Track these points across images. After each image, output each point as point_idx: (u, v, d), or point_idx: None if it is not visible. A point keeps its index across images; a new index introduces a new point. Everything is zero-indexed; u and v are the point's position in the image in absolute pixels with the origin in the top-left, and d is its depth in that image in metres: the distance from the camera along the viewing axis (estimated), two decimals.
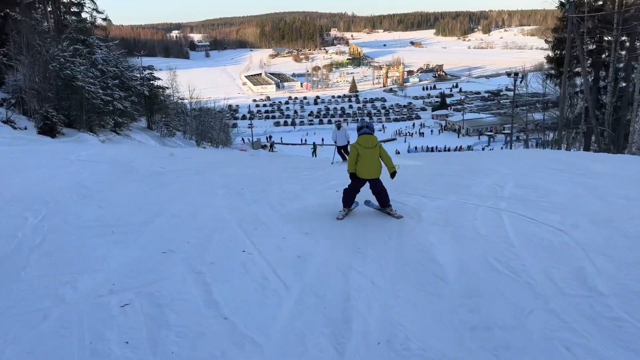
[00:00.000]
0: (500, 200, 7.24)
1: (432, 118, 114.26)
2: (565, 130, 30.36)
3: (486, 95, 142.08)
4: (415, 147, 75.20)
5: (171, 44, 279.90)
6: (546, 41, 37.79)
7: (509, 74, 51.04)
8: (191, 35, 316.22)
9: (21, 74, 27.71)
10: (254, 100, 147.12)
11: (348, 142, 15.64)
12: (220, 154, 21.51)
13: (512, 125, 45.82)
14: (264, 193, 8.13)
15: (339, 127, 17.02)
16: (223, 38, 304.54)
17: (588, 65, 27.39)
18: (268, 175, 10.49)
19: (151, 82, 42.12)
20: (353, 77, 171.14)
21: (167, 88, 45.60)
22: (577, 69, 29.76)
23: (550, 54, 33.67)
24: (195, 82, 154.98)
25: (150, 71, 43.50)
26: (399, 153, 70.87)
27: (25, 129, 25.20)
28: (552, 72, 33.77)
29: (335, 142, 16.18)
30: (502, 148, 68.24)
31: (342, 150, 15.86)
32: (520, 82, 45.98)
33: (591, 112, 26.15)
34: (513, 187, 8.15)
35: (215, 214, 6.72)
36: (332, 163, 15.06)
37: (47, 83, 28.33)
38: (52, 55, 27.35)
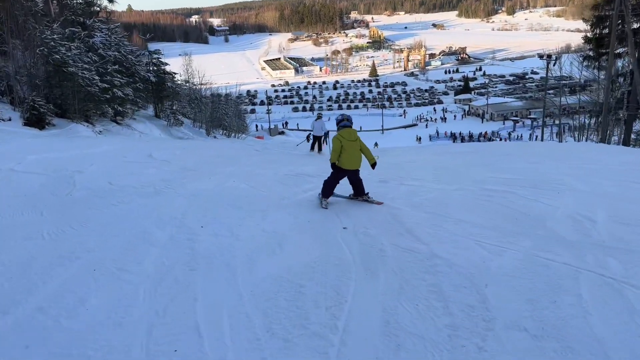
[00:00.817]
0: (605, 254, 4.51)
1: (455, 102, 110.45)
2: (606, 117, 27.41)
3: (511, 78, 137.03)
4: (437, 133, 71.80)
5: (190, 29, 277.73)
6: (584, 20, 34.25)
7: (541, 56, 47.49)
8: (210, 20, 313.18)
9: (10, 59, 25.49)
10: (273, 86, 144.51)
11: (325, 133, 16.64)
12: (223, 147, 18.95)
13: (544, 110, 42.39)
14: (230, 244, 5.41)
15: (318, 118, 17.94)
16: (242, 22, 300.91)
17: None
18: (256, 191, 7.84)
19: (158, 67, 39.53)
20: (373, 61, 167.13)
21: (176, 74, 42.95)
22: (617, 50, 26.78)
23: (589, 34, 30.31)
24: (213, 67, 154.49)
25: (157, 56, 40.93)
26: (419, 140, 68.04)
27: (10, 120, 22.94)
28: (591, 53, 30.49)
29: (312, 131, 17.27)
30: (531, 136, 64.79)
31: (318, 140, 17.00)
32: (554, 65, 42.41)
33: None
34: (611, 222, 5.40)
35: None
36: (297, 145, 17.31)
37: (36, 69, 26.05)
38: (41, 38, 24.98)
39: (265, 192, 7.81)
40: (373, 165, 7.19)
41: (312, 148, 17.70)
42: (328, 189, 6.89)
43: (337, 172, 6.87)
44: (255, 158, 14.13)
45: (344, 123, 7.06)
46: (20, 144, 13.60)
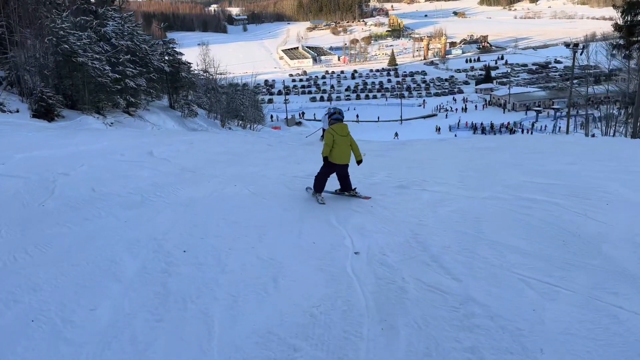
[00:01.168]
0: None
1: (476, 92, 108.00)
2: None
3: (534, 67, 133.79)
4: (458, 123, 70.02)
5: (209, 18, 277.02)
6: (614, 6, 32.45)
7: (567, 45, 45.78)
8: (229, 9, 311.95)
9: (20, 49, 24.87)
10: (290, 75, 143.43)
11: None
12: (233, 141, 18.00)
13: (570, 100, 40.72)
14: None
15: (328, 112, 18.97)
16: (261, 11, 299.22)
17: None
18: (258, 198, 6.88)
19: (173, 57, 38.70)
20: (392, 50, 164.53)
21: (191, 63, 42.09)
22: None
23: (620, 21, 28.66)
24: (231, 56, 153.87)
25: (172, 45, 40.11)
26: (439, 130, 66.39)
27: (17, 111, 22.31)
28: (621, 41, 28.86)
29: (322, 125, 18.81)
30: (554, 127, 62.82)
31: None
32: (581, 54, 40.67)
33: None
34: None
35: None
36: (306, 137, 19.05)
37: (45, 59, 25.38)
38: (49, 27, 24.27)
39: (268, 199, 6.85)
40: (359, 162, 7.12)
41: (322, 139, 18.32)
42: (320, 184, 6.88)
43: (328, 167, 6.86)
44: (265, 154, 13.16)
45: (336, 116, 7.06)
46: (15, 139, 12.82)
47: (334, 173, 7.00)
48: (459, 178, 8.93)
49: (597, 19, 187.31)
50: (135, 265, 4.31)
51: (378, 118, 77.72)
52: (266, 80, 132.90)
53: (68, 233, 5.15)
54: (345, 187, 7.14)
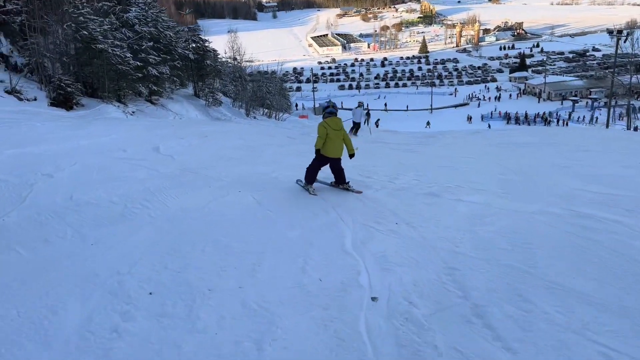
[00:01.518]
0: None
1: (510, 81, 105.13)
2: None
3: (571, 55, 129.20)
4: (491, 113, 67.66)
5: (239, 5, 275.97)
6: None
7: (610, 32, 43.38)
8: None
9: (41, 36, 24.31)
10: (319, 63, 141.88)
11: (365, 120, 19.59)
12: (252, 133, 16.99)
13: (612, 89, 38.52)
14: None
15: (359, 106, 20.58)
16: None
17: None
18: (262, 210, 5.87)
19: (198, 44, 37.82)
20: (424, 37, 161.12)
21: (215, 50, 41.15)
22: None
23: None
24: (260, 44, 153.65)
25: (197, 32, 39.26)
26: (470, 120, 64.17)
27: (35, 99, 21.73)
28: None
29: (352, 117, 19.44)
30: (592, 117, 60.22)
31: (357, 126, 19.30)
32: (624, 41, 38.41)
33: None
34: None
35: None
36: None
37: (65, 46, 24.74)
38: (69, 13, 23.58)
39: (273, 212, 5.82)
40: (351, 156, 7.18)
41: (351, 131, 18.73)
42: (311, 175, 6.95)
43: (320, 159, 6.89)
44: (283, 149, 12.12)
45: (329, 110, 7.12)
46: (19, 131, 12.04)
47: (328, 166, 7.02)
48: (499, 183, 7.73)
49: (639, 5, 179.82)
50: (78, 318, 3.29)
51: (407, 107, 75.81)
52: (295, 68, 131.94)
53: (14, 262, 4.17)
54: (339, 180, 7.11)
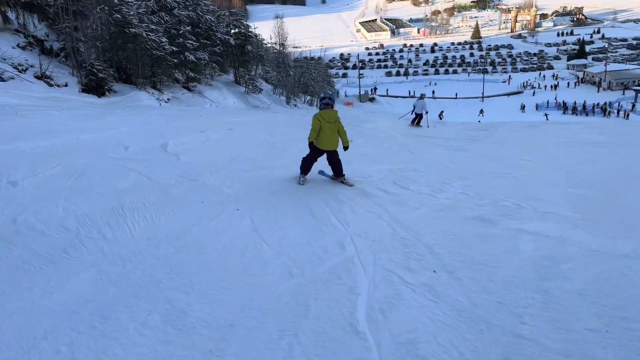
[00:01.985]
0: None
1: (567, 68, 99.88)
2: None
3: (634, 42, 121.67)
4: (548, 102, 63.90)
5: None
6: None
7: None
8: None
9: (78, 19, 23.65)
10: (367, 49, 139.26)
11: (426, 112, 19.10)
12: (285, 124, 15.63)
13: None
14: None
15: (421, 97, 20.17)
16: None
17: None
18: (257, 243, 4.47)
19: (240, 29, 36.70)
20: (477, 22, 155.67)
21: (258, 35, 40.00)
22: None
23: None
24: (308, 29, 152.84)
25: (238, 17, 38.10)
26: (523, 109, 60.72)
27: (66, 85, 21.04)
28: None
29: (414, 108, 19.38)
30: None
31: (419, 117, 19.07)
32: None
33: None
34: None
35: None
36: (398, 118, 21.37)
37: (101, 30, 24.00)
38: None
39: (270, 245, 4.40)
40: (345, 148, 7.12)
41: (413, 123, 19.23)
42: (305, 166, 6.98)
43: (315, 151, 6.90)
44: None
45: (325, 101, 6.96)
46: (27, 122, 11.04)
47: (326, 158, 7.02)
48: (571, 202, 6.05)
49: None
50: None
51: (456, 95, 72.64)
52: (341, 54, 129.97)
53: None
54: (336, 173, 7.06)
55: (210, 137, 10.98)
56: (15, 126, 10.31)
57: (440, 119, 32.88)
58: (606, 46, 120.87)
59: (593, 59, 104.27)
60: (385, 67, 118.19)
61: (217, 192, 6.12)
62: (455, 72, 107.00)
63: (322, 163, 7.21)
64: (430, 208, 5.86)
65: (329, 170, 7.22)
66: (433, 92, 75.75)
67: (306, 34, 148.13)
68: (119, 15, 22.24)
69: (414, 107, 19.30)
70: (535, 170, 8.40)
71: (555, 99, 65.83)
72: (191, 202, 5.60)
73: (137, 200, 5.45)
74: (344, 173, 7.02)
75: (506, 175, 7.97)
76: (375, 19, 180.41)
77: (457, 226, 5.10)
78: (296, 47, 55.05)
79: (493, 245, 4.52)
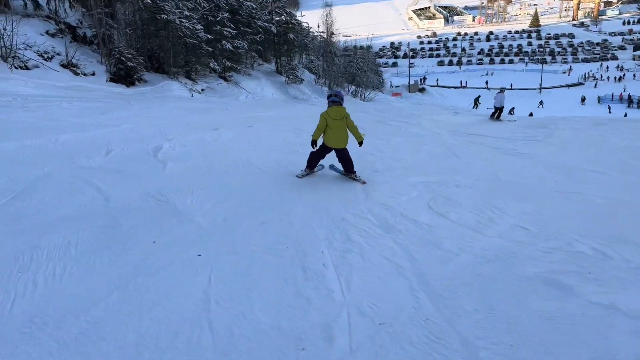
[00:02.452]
0: None
1: (634, 59, 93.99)
2: None
3: None
4: (612, 95, 59.54)
5: None
6: None
7: None
8: None
9: (112, 5, 22.78)
10: (419, 37, 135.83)
11: (503, 106, 19.10)
12: (310, 122, 14.13)
13: None
14: None
15: (501, 91, 19.85)
16: None
17: None
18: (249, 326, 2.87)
19: (283, 17, 35.17)
20: (536, 9, 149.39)
21: (301, 24, 38.33)
22: None
23: None
24: (357, 17, 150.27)
25: (282, 4, 36.52)
26: (583, 101, 56.68)
27: (93, 74, 20.12)
28: None
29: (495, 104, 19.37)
30: None
31: (498, 111, 19.06)
32: None
33: None
34: None
35: None
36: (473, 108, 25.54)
37: (133, 17, 22.99)
38: None
39: (221, 335, 2.83)
40: (360, 143, 6.78)
41: (492, 116, 19.31)
42: (312, 161, 6.87)
43: (321, 149, 6.74)
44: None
45: (332, 99, 6.73)
46: (28, 116, 9.89)
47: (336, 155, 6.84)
48: None
49: None
50: None
51: (511, 85, 68.87)
52: (392, 43, 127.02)
53: None
54: (347, 169, 6.85)
55: (219, 137, 9.53)
56: (8, 122, 9.14)
57: (511, 114, 29.88)
58: None
59: None
60: (438, 56, 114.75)
61: (185, 222, 4.59)
62: (511, 61, 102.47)
63: (333, 159, 6.91)
64: (475, 255, 4.14)
65: (340, 166, 6.97)
66: (486, 82, 72.32)
67: (356, 22, 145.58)
68: (149, 1, 21.09)
69: (495, 100, 19.49)
70: (613, 189, 6.47)
71: (624, 90, 61.29)
72: (139, 240, 4.09)
73: (65, 237, 3.99)
74: (354, 170, 6.81)
75: (577, 195, 6.11)
76: (429, 7, 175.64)
77: (514, 296, 3.38)
78: (346, 36, 53.15)
79: (570, 338, 2.80)
